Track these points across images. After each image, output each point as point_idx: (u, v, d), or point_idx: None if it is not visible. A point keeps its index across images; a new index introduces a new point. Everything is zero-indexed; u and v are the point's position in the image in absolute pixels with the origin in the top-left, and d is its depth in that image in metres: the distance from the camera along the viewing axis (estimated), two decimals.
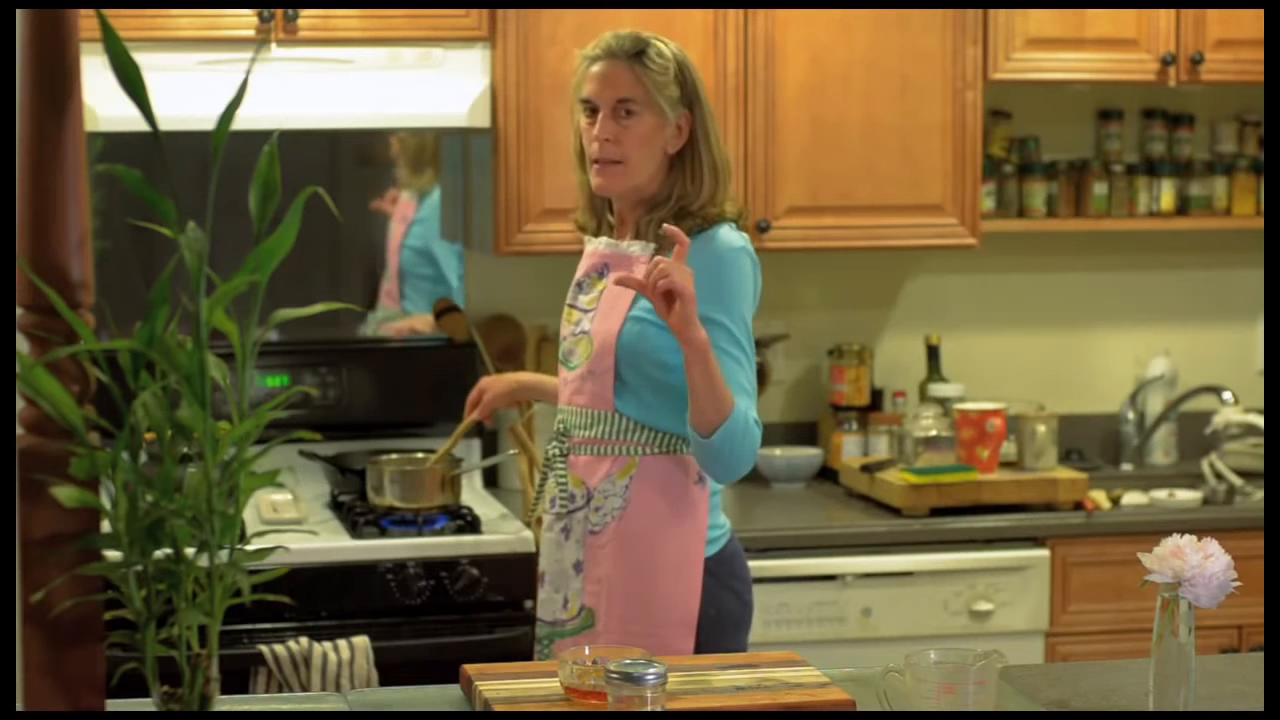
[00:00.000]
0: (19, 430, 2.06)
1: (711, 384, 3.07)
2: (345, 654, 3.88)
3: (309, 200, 2.06)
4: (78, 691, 2.05)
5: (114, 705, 2.14)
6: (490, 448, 4.62)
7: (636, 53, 3.26)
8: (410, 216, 4.75)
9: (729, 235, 3.25)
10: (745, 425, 3.11)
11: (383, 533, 4.09)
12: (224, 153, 2.03)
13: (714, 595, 3.25)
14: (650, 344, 3.20)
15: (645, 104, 3.25)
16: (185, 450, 2.04)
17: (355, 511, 4.19)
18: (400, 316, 4.76)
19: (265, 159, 2.06)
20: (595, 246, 3.37)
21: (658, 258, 3.05)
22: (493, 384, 3.64)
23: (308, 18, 4.23)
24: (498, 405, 3.64)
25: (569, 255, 3.47)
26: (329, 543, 4.06)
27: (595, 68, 3.28)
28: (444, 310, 4.70)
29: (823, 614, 4.28)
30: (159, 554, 2.04)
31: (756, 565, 3.76)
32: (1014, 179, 4.89)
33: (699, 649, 3.20)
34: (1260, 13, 4.52)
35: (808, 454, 4.81)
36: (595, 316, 3.28)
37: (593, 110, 3.28)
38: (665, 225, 3.13)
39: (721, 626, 3.26)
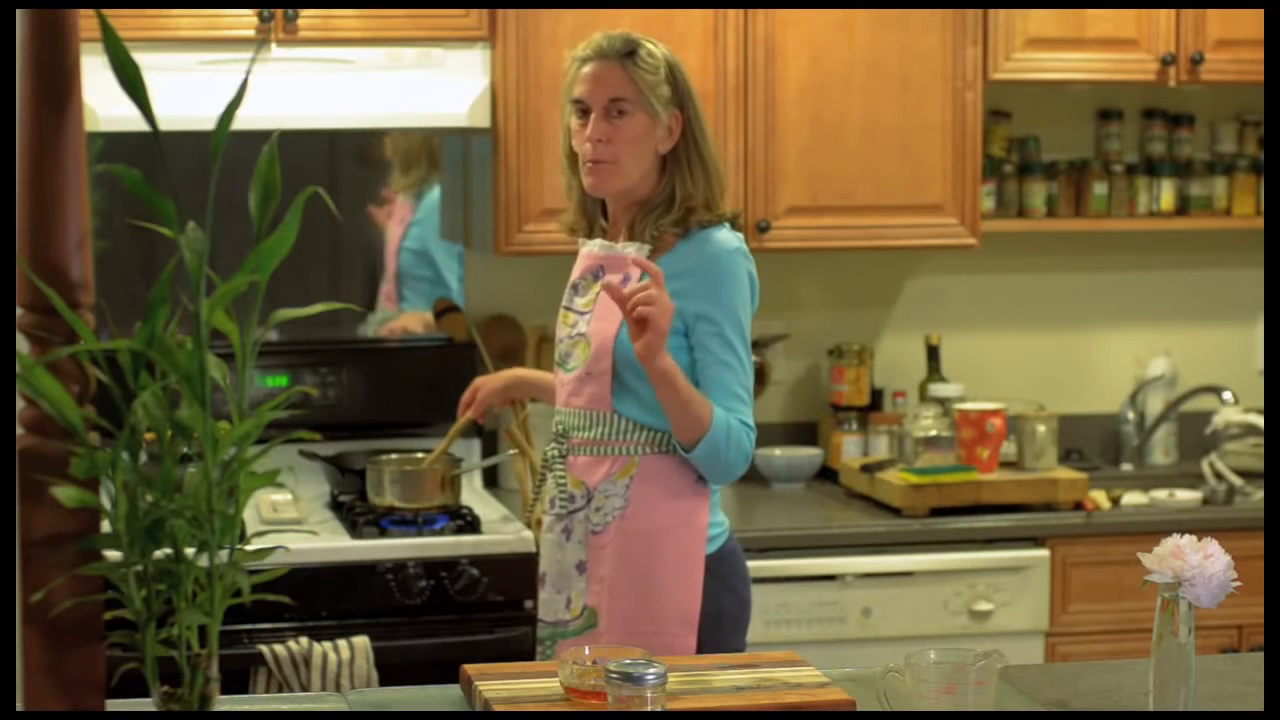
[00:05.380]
0: (19, 430, 2.05)
1: (682, 406, 3.13)
2: (345, 654, 3.87)
3: (309, 200, 2.06)
4: (78, 691, 2.05)
5: (114, 705, 2.14)
6: (490, 448, 4.62)
7: (628, 53, 3.25)
8: (408, 219, 4.74)
9: (724, 237, 3.25)
10: (728, 434, 3.14)
11: (383, 533, 4.08)
12: (224, 153, 2.03)
13: (714, 594, 3.25)
14: None
15: (637, 104, 3.24)
16: (185, 450, 2.04)
17: (355, 511, 4.19)
18: (399, 317, 4.75)
19: (265, 159, 2.06)
20: (589, 248, 3.36)
21: (647, 281, 3.07)
22: (487, 382, 3.64)
23: (308, 18, 4.23)
24: (491, 402, 3.63)
25: (569, 255, 3.47)
26: (329, 543, 4.05)
27: (586, 68, 3.27)
28: (444, 310, 4.70)
29: (823, 614, 4.27)
30: (159, 554, 2.04)
31: (756, 565, 3.77)
32: (1014, 179, 4.89)
33: (699, 648, 3.20)
34: (1260, 13, 4.52)
35: (808, 454, 4.81)
36: (592, 319, 3.28)
37: (584, 111, 3.27)
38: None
39: (721, 625, 3.26)
